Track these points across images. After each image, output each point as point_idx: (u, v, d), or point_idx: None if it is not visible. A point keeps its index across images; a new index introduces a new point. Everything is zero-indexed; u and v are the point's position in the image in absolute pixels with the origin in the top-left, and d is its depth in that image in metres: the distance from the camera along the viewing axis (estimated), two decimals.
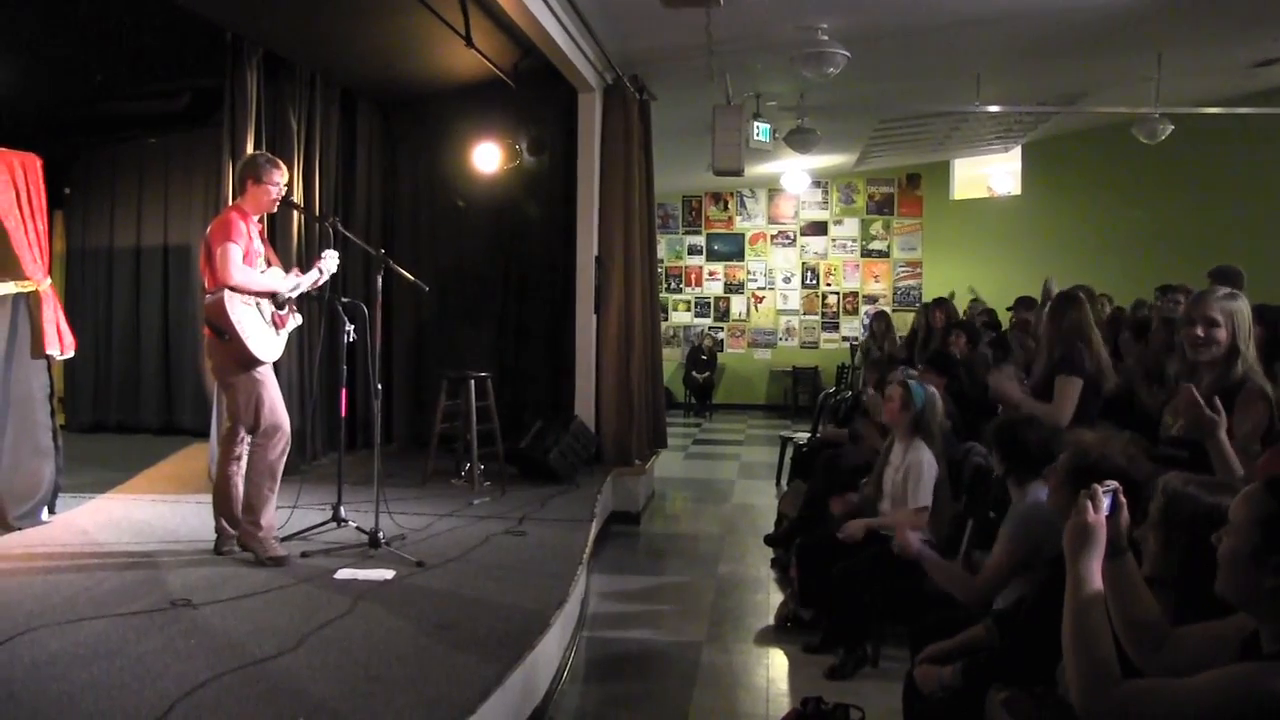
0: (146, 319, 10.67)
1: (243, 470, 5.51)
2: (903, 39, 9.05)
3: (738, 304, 18.19)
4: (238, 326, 5.18)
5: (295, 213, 7.66)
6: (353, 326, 5.86)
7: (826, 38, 8.44)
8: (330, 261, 5.85)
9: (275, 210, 5.66)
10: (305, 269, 5.86)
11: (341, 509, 5.99)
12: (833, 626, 5.42)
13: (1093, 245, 14.86)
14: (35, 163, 6.17)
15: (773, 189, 17.73)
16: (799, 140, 11.85)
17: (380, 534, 5.61)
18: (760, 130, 10.60)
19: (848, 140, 14.21)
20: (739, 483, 10.82)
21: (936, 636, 3.91)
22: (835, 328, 17.96)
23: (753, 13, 8.08)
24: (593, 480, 8.12)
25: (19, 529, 6.00)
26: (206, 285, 5.37)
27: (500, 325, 9.61)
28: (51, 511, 6.40)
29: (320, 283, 5.82)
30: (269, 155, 5.64)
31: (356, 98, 9.19)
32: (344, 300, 5.97)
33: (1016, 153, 16.01)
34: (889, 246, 17.75)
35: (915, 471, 5.26)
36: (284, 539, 5.68)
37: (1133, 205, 14.54)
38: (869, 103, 11.65)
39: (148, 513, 6.66)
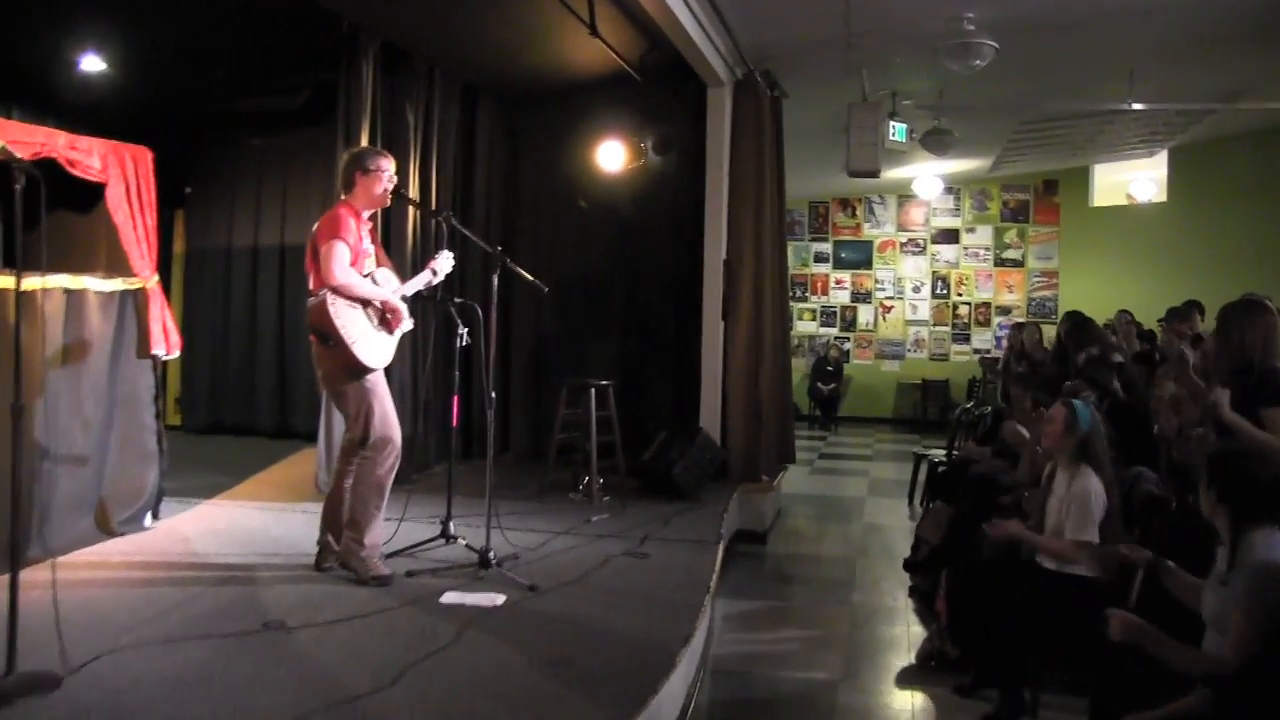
0: (263, 320, 10.54)
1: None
2: (1054, 31, 8.35)
3: (865, 313, 17.48)
4: (343, 331, 4.81)
5: (410, 209, 7.33)
6: (466, 330, 5.47)
7: (973, 28, 7.81)
8: (444, 262, 5.47)
9: (388, 204, 5.26)
10: (419, 270, 5.49)
11: (450, 525, 5.59)
12: (986, 667, 4.81)
13: (1247, 257, 13.82)
14: (146, 156, 5.95)
15: (903, 195, 17.00)
16: (935, 142, 11.20)
17: (491, 553, 5.20)
18: (896, 130, 9.98)
19: (984, 143, 13.43)
20: (869, 501, 10.19)
21: (1127, 700, 3.32)
22: (966, 339, 17.12)
23: (895, 1, 7.53)
24: (718, 497, 7.61)
25: (122, 534, 5.76)
26: (311, 286, 5.02)
27: (623, 331, 9.18)
28: (155, 517, 6.16)
29: (434, 284, 5.45)
30: (374, 146, 5.29)
31: (478, 93, 8.87)
32: (457, 301, 5.57)
33: (1161, 158, 14.98)
34: (1024, 255, 16.86)
35: (1081, 502, 4.63)
36: (389, 555, 5.31)
37: None
38: (1010, 102, 10.89)
39: (252, 521, 6.39)
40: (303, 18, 6.82)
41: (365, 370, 4.94)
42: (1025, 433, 6.41)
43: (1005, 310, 16.91)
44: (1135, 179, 15.68)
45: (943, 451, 10.20)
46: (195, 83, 8.84)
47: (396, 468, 5.13)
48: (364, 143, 7.08)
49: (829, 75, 9.42)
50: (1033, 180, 16.62)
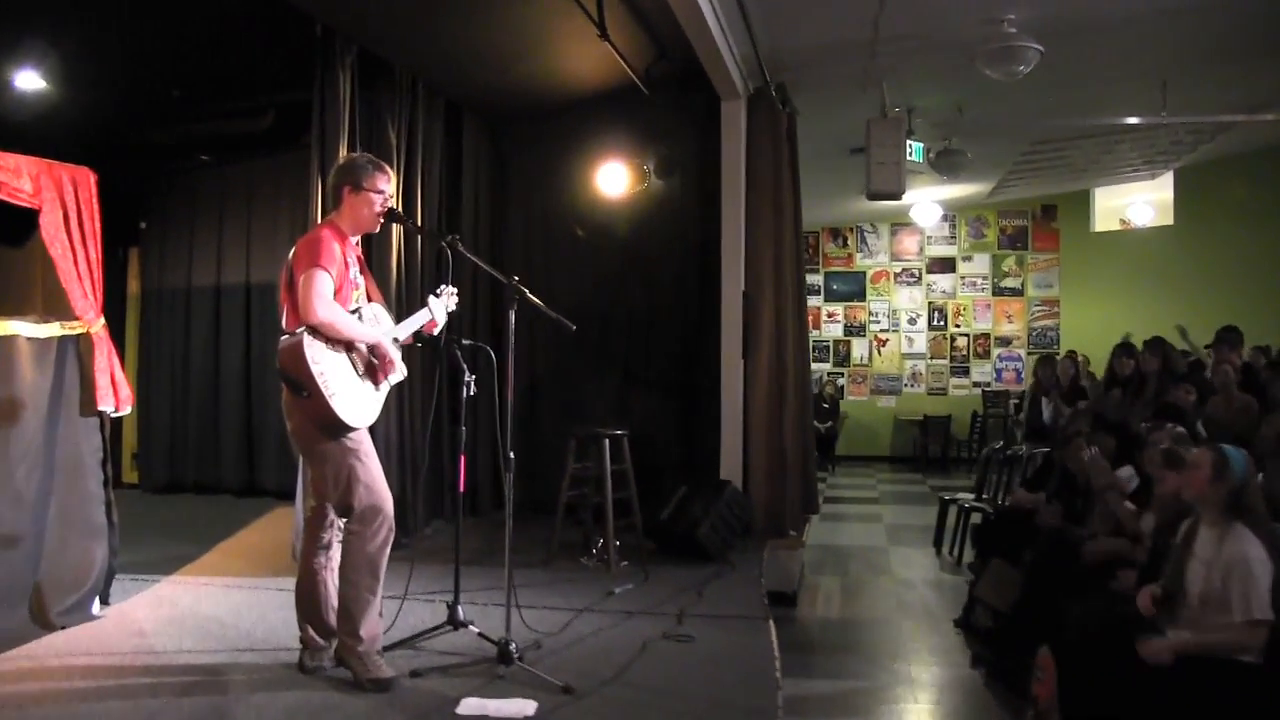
0: (227, 367, 9.59)
1: (332, 565, 4.24)
2: (1097, 33, 7.68)
3: (859, 347, 16.74)
4: (320, 380, 3.90)
5: (398, 232, 6.47)
6: (473, 377, 4.60)
7: (1015, 30, 7.11)
8: (444, 301, 4.62)
9: (378, 228, 4.39)
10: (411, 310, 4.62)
11: (459, 609, 4.68)
12: None
13: (1257, 280, 13.24)
14: (89, 178, 5.07)
15: (896, 223, 16.36)
16: (947, 164, 10.53)
17: (512, 644, 4.30)
18: (914, 149, 9.25)
19: (990, 166, 12.77)
20: (892, 551, 9.36)
21: None
22: (965, 372, 16.43)
23: (931, 2, 6.82)
24: (746, 557, 6.77)
25: (63, 628, 4.80)
26: (284, 323, 4.13)
27: (625, 372, 8.34)
28: (104, 603, 5.21)
29: (432, 325, 4.59)
30: (370, 156, 4.41)
31: (463, 110, 8.04)
32: (465, 343, 4.68)
33: (1163, 181, 14.41)
34: (1023, 284, 16.22)
35: (1243, 570, 3.81)
36: (388, 647, 4.39)
37: None
38: (1033, 117, 10.21)
39: (221, 604, 5.43)
40: (270, 22, 6.02)
41: (345, 429, 4.05)
42: (1131, 505, 5.57)
43: (1005, 341, 16.28)
44: (1133, 203, 15.13)
45: (971, 495, 9.41)
46: (148, 105, 7.97)
47: (391, 541, 4.22)
48: None
49: (838, 91, 8.71)
50: (1030, 206, 16.03)
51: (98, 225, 5.11)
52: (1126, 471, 6.04)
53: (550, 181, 8.49)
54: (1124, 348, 8.64)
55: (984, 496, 9.20)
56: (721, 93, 7.37)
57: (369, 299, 4.34)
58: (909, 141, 9.09)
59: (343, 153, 6.26)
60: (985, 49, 7.09)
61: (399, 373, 4.30)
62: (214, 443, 9.57)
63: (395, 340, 4.32)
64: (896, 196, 8.46)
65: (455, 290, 4.71)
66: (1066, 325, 15.87)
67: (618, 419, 7.74)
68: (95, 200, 5.10)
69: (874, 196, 8.42)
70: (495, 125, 8.53)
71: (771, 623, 5.28)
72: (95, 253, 5.09)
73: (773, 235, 7.52)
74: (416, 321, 4.50)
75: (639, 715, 3.90)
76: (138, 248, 10.18)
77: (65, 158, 5.08)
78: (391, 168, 6.48)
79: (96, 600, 5.12)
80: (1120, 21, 7.37)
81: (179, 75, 7.34)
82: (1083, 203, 15.59)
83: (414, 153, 7.12)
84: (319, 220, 6.13)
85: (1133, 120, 9.89)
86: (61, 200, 4.86)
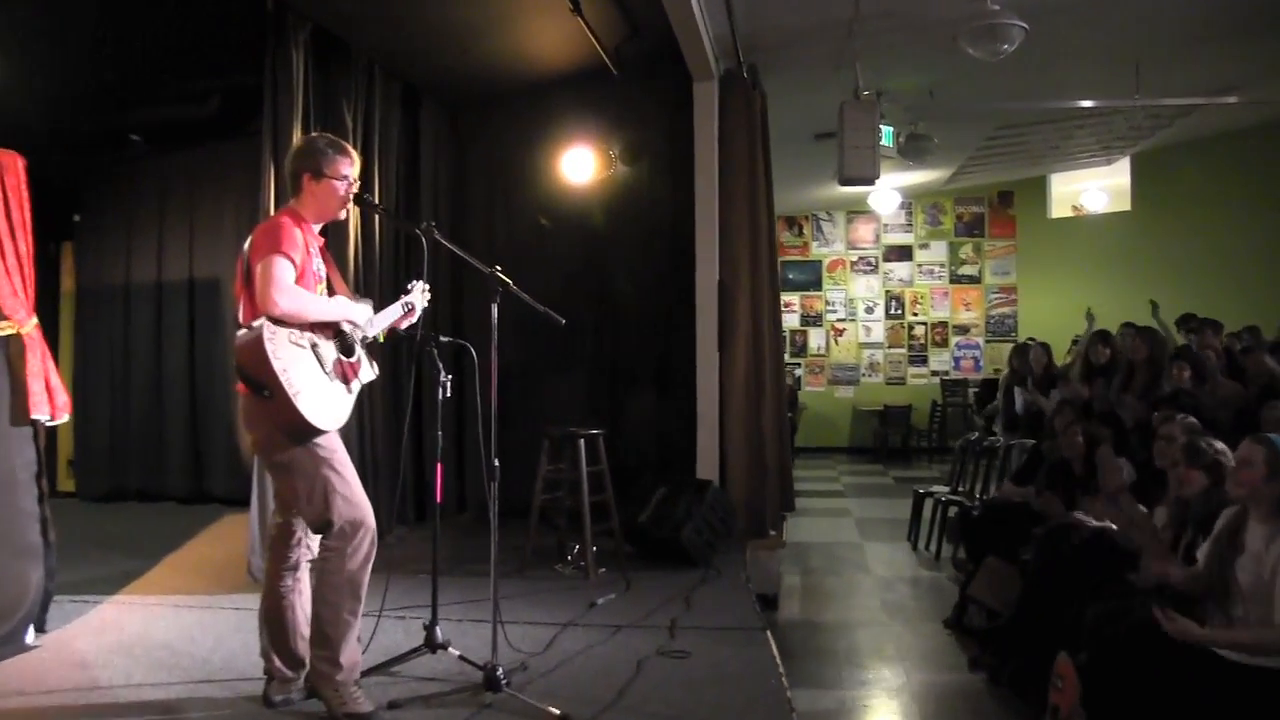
0: (170, 366, 9.06)
1: (301, 587, 3.83)
2: (1078, 12, 7.45)
3: (816, 337, 16.50)
4: (283, 377, 3.46)
5: (355, 218, 6.03)
6: (449, 378, 4.22)
7: (998, 7, 6.84)
8: (419, 295, 4.24)
9: (344, 214, 3.97)
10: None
11: (438, 630, 4.29)
12: None
13: (1213, 266, 13.23)
14: (17, 163, 4.59)
15: (852, 211, 16.13)
16: (914, 149, 10.27)
17: (499, 670, 3.92)
18: (884, 134, 8.97)
19: (953, 151, 12.56)
20: (867, 546, 9.08)
21: None
22: (924, 361, 16.25)
23: None
24: (729, 560, 6.46)
25: None
26: (241, 317, 3.69)
27: (593, 367, 7.98)
28: (40, 630, 4.74)
29: (407, 322, 4.20)
30: (331, 138, 3.99)
31: (420, 95, 7.61)
32: (443, 340, 4.28)
33: (1119, 167, 14.29)
34: (980, 271, 16.07)
35: None
36: (362, 674, 3.98)
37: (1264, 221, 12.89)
38: (1000, 100, 9.97)
39: (172, 628, 4.98)
40: None
41: (313, 432, 3.63)
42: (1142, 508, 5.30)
43: (963, 329, 16.13)
44: (1086, 189, 15.02)
45: (945, 488, 9.16)
46: (81, 90, 7.43)
47: (373, 556, 3.81)
48: None
49: (808, 73, 8.43)
50: (987, 192, 15.90)
51: (28, 215, 4.64)
52: (1123, 465, 5.81)
53: (513, 169, 8.10)
54: (1100, 335, 8.41)
55: (961, 489, 8.96)
56: (695, 73, 7.02)
57: (332, 292, 3.93)
58: (880, 126, 8.84)
59: (297, 135, 5.82)
60: (969, 27, 6.81)
61: (368, 371, 3.91)
62: (157, 447, 9.05)
63: (365, 329, 3.92)
64: (870, 182, 8.14)
65: (428, 286, 4.32)
66: (1025, 313, 15.78)
67: (588, 415, 7.40)
68: (25, 188, 4.63)
69: (846, 182, 8.08)
70: (454, 109, 8.12)
71: (770, 634, 4.95)
72: (26, 246, 4.62)
73: (748, 222, 7.20)
74: (390, 315, 4.11)
75: None
76: (71, 242, 9.62)
77: None
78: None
79: (31, 629, 4.65)
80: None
81: (115, 57, 6.83)
82: (1039, 189, 15.47)
83: (370, 139, 6.69)
84: (272, 210, 5.74)
85: (1104, 103, 9.70)
86: None
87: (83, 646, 4.63)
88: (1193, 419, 5.19)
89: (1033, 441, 7.94)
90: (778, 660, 4.52)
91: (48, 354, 4.70)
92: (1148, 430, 6.35)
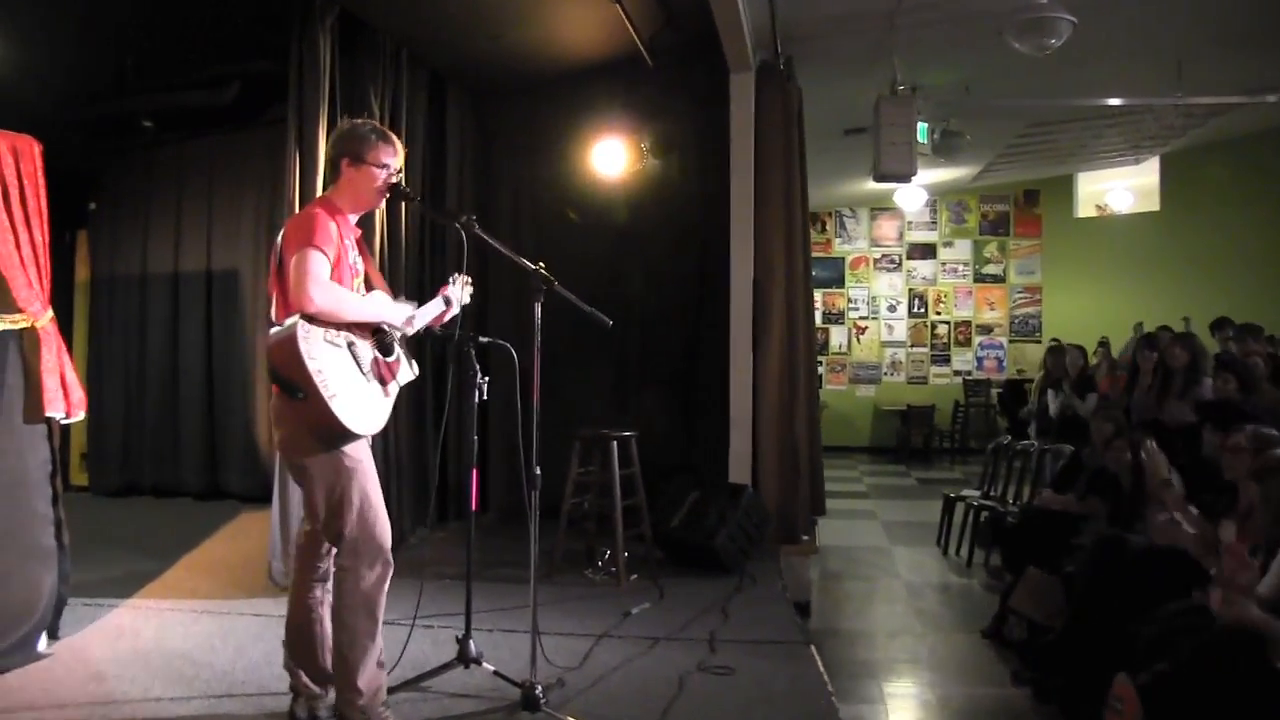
0: (186, 360, 8.86)
1: (330, 598, 3.61)
2: (1126, 6, 7.21)
3: (838, 335, 16.26)
4: (318, 379, 3.26)
5: (384, 209, 5.82)
6: (486, 379, 4.01)
7: (1045, 0, 6.61)
8: (460, 289, 4.02)
9: (380, 205, 3.76)
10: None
11: (471, 643, 4.08)
12: None
13: (1242, 268, 12.97)
14: (32, 147, 4.39)
15: (876, 207, 15.89)
16: (947, 145, 10.03)
17: (538, 689, 3.71)
18: (919, 130, 8.73)
19: (983, 149, 12.29)
20: (895, 551, 8.84)
21: None
22: (946, 361, 16.01)
23: None
24: (763, 566, 6.25)
25: (4, 670, 4.12)
26: (274, 314, 3.49)
27: (620, 365, 7.77)
28: (53, 637, 4.54)
29: (448, 318, 3.98)
30: (375, 125, 3.78)
31: (446, 83, 7.39)
32: (483, 340, 4.06)
33: (1147, 167, 14.02)
34: (1005, 270, 15.81)
35: None
36: (391, 689, 3.77)
37: None
38: (1036, 96, 9.71)
39: (190, 636, 4.77)
40: None
41: (347, 437, 3.42)
42: (1194, 509, 5.06)
43: (987, 329, 15.88)
44: (1112, 189, 14.77)
45: (975, 492, 8.92)
46: (97, 75, 7.23)
47: (388, 576, 3.58)
48: (321, 138, 5.59)
49: (843, 67, 8.21)
50: (1012, 190, 15.64)
51: (44, 203, 4.43)
52: (1173, 475, 5.58)
53: (540, 160, 7.89)
54: (1146, 340, 8.18)
55: (992, 494, 8.71)
56: (732, 65, 6.78)
57: (370, 287, 3.71)
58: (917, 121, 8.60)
59: (323, 125, 5.61)
60: (1015, 19, 6.58)
61: (407, 371, 3.69)
62: (172, 442, 8.85)
63: (404, 327, 3.71)
64: (907, 178, 7.95)
65: (470, 279, 4.11)
66: (1049, 313, 15.53)
67: (615, 414, 7.22)
68: (41, 175, 4.42)
69: (882, 178, 7.89)
70: (481, 98, 7.89)
71: (814, 650, 4.74)
72: (42, 235, 4.42)
73: (783, 218, 6.97)
74: (430, 312, 3.90)
75: None
76: (86, 230, 9.42)
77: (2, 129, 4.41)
78: None
79: (44, 636, 4.46)
80: None
81: (134, 42, 6.64)
82: (1065, 188, 15.23)
83: (397, 126, 6.46)
84: (296, 199, 5.54)
85: (1144, 100, 9.44)
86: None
87: (97, 655, 4.43)
88: (1271, 430, 4.94)
89: (1070, 447, 7.73)
90: (826, 679, 4.30)
91: (63, 348, 4.50)
92: (1192, 435, 6.15)
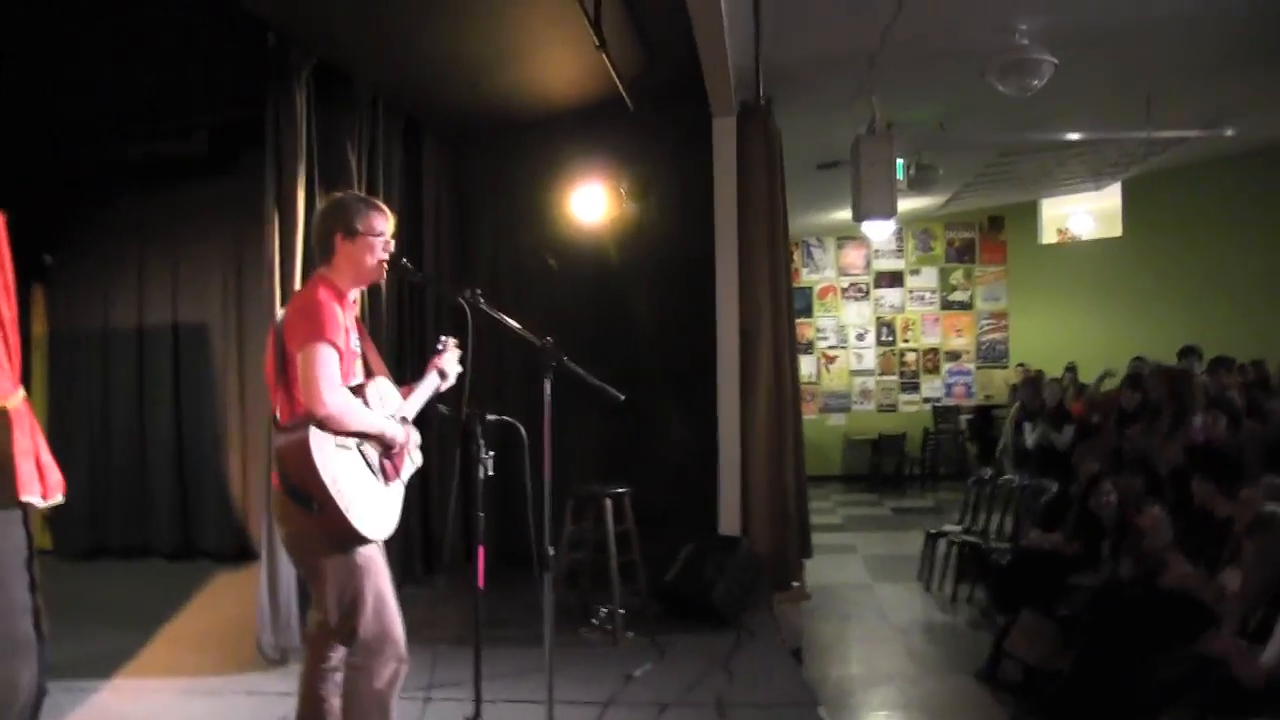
0: (154, 416, 8.58)
1: (340, 690, 3.45)
2: (1105, 46, 7.24)
3: (807, 365, 16.18)
4: (333, 488, 3.13)
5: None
6: (491, 455, 3.87)
7: (1028, 42, 6.61)
8: (452, 361, 3.89)
9: (382, 279, 3.61)
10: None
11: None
12: None
13: (1209, 293, 13.11)
14: None
15: (842, 236, 15.89)
16: (921, 179, 10.06)
17: None
18: (897, 167, 8.72)
19: (950, 179, 12.34)
20: (878, 589, 8.76)
21: None
22: (915, 388, 16.04)
23: (943, 9, 6.30)
24: (757, 616, 6.14)
25: None
26: (278, 414, 3.34)
27: (605, 413, 7.62)
28: None
29: (441, 389, 3.85)
30: (360, 194, 3.67)
31: (423, 130, 7.27)
32: (490, 418, 3.91)
33: (1110, 192, 14.13)
34: (971, 297, 15.88)
35: None
36: None
37: (1265, 242, 12.76)
38: (1008, 130, 9.74)
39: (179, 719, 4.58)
40: (209, 30, 5.21)
41: (362, 541, 3.30)
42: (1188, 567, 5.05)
43: (954, 355, 15.92)
44: (1073, 213, 14.87)
45: (957, 528, 8.86)
46: (57, 129, 7.03)
47: (403, 675, 3.45)
48: (300, 190, 5.45)
49: (820, 106, 8.18)
50: (977, 218, 15.71)
51: (11, 279, 4.17)
52: (1159, 514, 5.57)
53: (518, 207, 7.77)
54: (1131, 380, 8.18)
55: (974, 529, 8.65)
56: (715, 108, 6.72)
57: (369, 371, 3.56)
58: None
59: (302, 178, 5.48)
60: (998, 61, 6.58)
61: (414, 459, 3.55)
62: (141, 501, 8.55)
63: (404, 420, 3.56)
64: (889, 217, 7.91)
65: (456, 341, 3.97)
66: (1016, 339, 15.60)
67: (602, 462, 7.09)
68: (7, 247, 4.18)
69: (864, 218, 7.85)
70: (457, 144, 7.78)
71: (823, 711, 4.64)
72: (10, 311, 4.18)
73: (768, 267, 6.90)
74: (425, 392, 3.75)
75: None
76: (43, 285, 9.11)
77: None
78: (352, 185, 5.76)
79: None
80: (1130, 30, 6.94)
81: (94, 88, 6.44)
82: (1030, 214, 15.26)
83: (374, 176, 6.35)
84: (276, 258, 5.39)
85: (1112, 135, 9.51)
86: None
87: None
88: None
89: (1053, 483, 7.72)
90: None
91: (37, 429, 4.28)
92: (1182, 477, 6.13)
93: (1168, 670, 4.39)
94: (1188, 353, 9.41)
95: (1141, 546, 5.41)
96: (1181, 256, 13.75)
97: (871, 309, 16.11)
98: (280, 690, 4.79)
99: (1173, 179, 13.42)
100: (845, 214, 13.35)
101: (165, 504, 8.51)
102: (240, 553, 8.15)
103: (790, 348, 7.30)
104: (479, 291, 3.70)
